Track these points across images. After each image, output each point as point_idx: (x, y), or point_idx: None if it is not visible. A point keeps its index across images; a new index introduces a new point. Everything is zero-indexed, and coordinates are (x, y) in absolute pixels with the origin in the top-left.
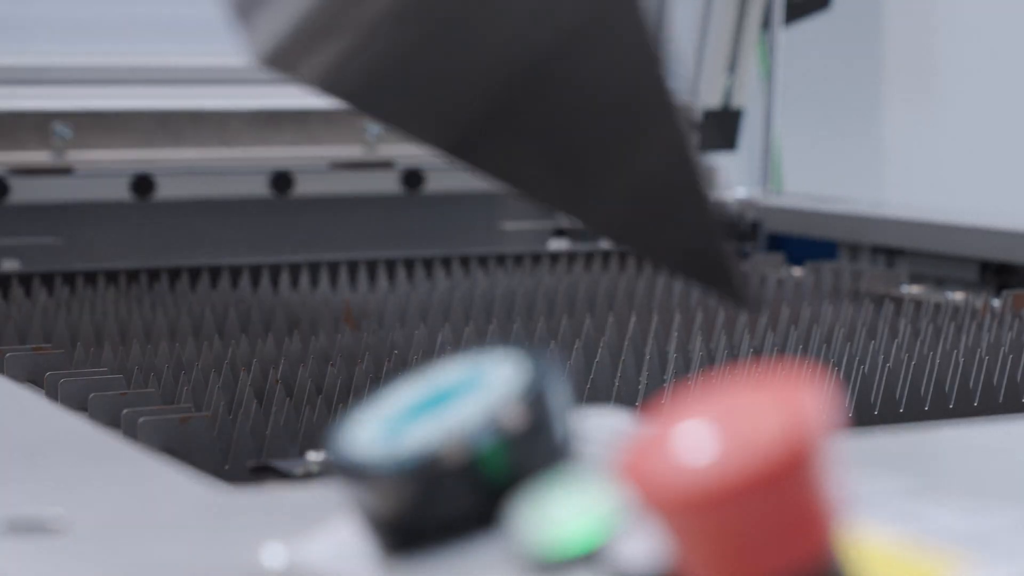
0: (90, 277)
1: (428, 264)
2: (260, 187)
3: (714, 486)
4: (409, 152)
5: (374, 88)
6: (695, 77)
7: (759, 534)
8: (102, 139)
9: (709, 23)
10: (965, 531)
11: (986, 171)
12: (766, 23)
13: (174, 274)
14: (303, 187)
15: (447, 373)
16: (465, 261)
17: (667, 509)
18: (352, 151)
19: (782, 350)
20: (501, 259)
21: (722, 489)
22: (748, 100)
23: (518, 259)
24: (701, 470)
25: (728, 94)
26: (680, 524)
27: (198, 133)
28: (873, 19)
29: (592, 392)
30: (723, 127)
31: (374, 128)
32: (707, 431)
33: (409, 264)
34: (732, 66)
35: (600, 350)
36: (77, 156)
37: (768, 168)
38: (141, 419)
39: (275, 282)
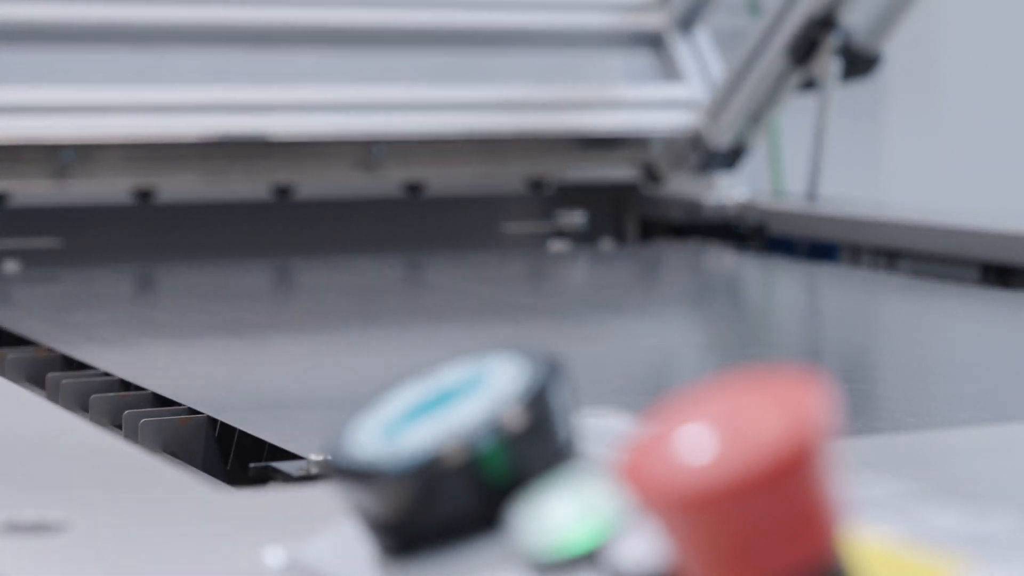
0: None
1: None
2: (261, 191)
3: (714, 486)
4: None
5: None
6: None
7: (760, 535)
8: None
9: (749, 74)
10: (966, 533)
11: (987, 172)
12: (808, 84)
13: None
14: (304, 191)
15: (448, 374)
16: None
17: (667, 509)
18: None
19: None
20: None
21: (722, 489)
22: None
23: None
24: (702, 470)
25: (739, 138)
26: (680, 525)
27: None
28: None
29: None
30: (725, 159)
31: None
32: (708, 431)
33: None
34: (755, 117)
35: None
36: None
37: (770, 170)
38: (142, 420)
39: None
